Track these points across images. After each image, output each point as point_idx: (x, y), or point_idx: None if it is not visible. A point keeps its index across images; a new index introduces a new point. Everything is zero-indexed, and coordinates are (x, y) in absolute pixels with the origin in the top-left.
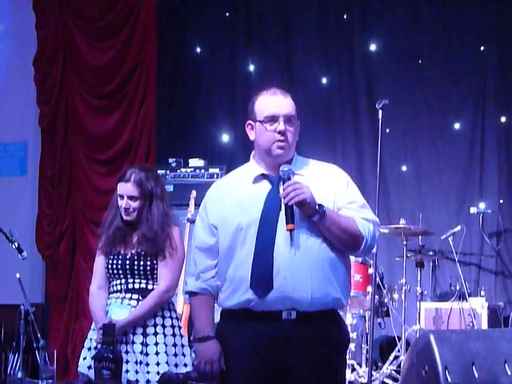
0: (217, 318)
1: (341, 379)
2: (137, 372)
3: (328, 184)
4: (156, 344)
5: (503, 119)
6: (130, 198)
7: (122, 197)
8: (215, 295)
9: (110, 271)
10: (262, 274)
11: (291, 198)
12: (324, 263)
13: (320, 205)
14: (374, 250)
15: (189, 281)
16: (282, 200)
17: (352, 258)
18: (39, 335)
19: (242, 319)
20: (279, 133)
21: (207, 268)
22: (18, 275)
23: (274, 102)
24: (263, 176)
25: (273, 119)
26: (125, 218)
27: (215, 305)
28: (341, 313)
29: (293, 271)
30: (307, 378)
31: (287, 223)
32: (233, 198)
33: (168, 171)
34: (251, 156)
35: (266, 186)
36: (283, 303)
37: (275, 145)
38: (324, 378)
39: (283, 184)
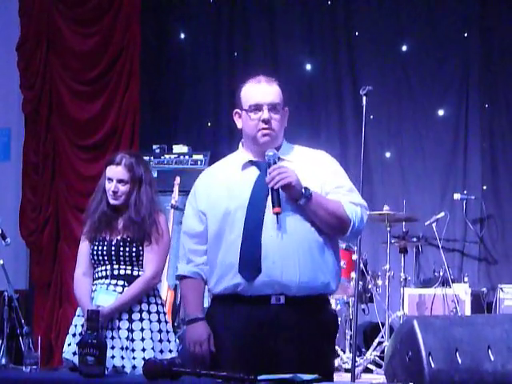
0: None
1: (329, 365)
2: (123, 358)
3: (316, 169)
4: (142, 330)
5: (487, 106)
6: (120, 181)
7: (110, 180)
8: (206, 280)
9: (95, 257)
10: (250, 258)
11: (277, 182)
12: (312, 247)
13: (306, 188)
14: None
15: (180, 265)
16: (269, 184)
17: None
18: (23, 321)
19: (231, 304)
20: (263, 121)
21: (197, 252)
22: (1, 261)
23: (258, 91)
24: (251, 163)
25: (257, 108)
26: (112, 201)
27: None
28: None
29: (281, 255)
30: (295, 363)
31: (273, 206)
32: (221, 185)
33: (152, 157)
34: (240, 144)
35: (254, 172)
36: (272, 287)
37: (260, 133)
38: (312, 363)
39: (269, 168)
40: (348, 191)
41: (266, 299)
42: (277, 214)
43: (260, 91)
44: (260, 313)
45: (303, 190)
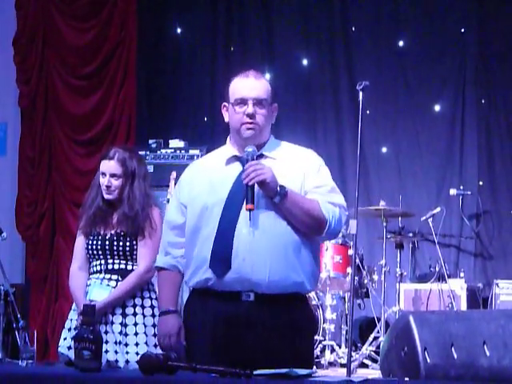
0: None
1: (306, 362)
2: (116, 352)
3: (298, 167)
4: (135, 324)
5: (483, 101)
6: (113, 175)
7: (104, 174)
8: (183, 273)
9: (90, 252)
10: (222, 254)
11: (251, 178)
12: (287, 246)
13: (282, 186)
14: (354, 231)
15: (158, 256)
16: (244, 180)
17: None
18: (19, 316)
19: (204, 298)
20: (247, 115)
21: (176, 245)
22: None
23: (244, 85)
24: (235, 158)
25: (242, 102)
26: (105, 196)
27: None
28: (320, 293)
29: (252, 253)
30: (264, 360)
31: (247, 203)
32: (204, 179)
33: (148, 152)
34: (228, 138)
35: (237, 168)
36: (241, 284)
37: (244, 127)
38: (282, 361)
39: (246, 164)
40: (328, 191)
41: (237, 295)
42: (249, 210)
43: (247, 86)
44: (230, 308)
45: (278, 188)
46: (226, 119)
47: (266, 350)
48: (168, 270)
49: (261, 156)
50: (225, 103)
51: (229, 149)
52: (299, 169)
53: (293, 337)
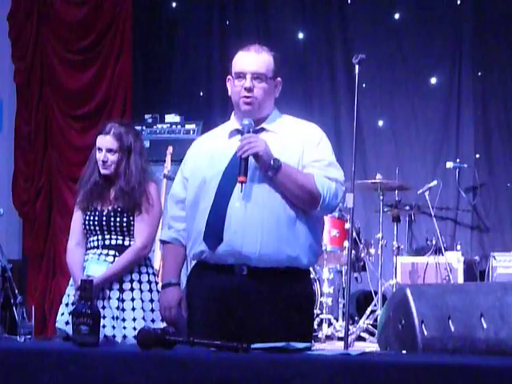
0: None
1: (303, 337)
2: (114, 327)
3: (298, 140)
4: (132, 299)
5: (480, 74)
6: (109, 150)
7: (100, 149)
8: (186, 246)
9: (87, 227)
10: (214, 227)
11: (244, 151)
12: (280, 220)
13: (275, 159)
14: (351, 205)
15: (162, 230)
16: (237, 153)
17: None
18: (17, 291)
19: (200, 271)
20: (245, 89)
21: (179, 219)
22: None
23: (244, 59)
24: (237, 131)
25: (241, 75)
26: (102, 171)
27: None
28: (317, 267)
29: (243, 225)
30: (258, 334)
31: (239, 175)
32: (206, 153)
33: (144, 127)
34: (233, 112)
35: (238, 141)
36: (233, 257)
37: (241, 100)
38: (276, 335)
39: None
40: (326, 166)
41: (230, 269)
42: (241, 182)
43: (246, 59)
44: (224, 282)
45: (272, 162)
46: (229, 92)
47: (260, 325)
48: (171, 244)
49: (261, 130)
50: (229, 76)
51: (232, 122)
52: (299, 142)
53: (288, 311)
